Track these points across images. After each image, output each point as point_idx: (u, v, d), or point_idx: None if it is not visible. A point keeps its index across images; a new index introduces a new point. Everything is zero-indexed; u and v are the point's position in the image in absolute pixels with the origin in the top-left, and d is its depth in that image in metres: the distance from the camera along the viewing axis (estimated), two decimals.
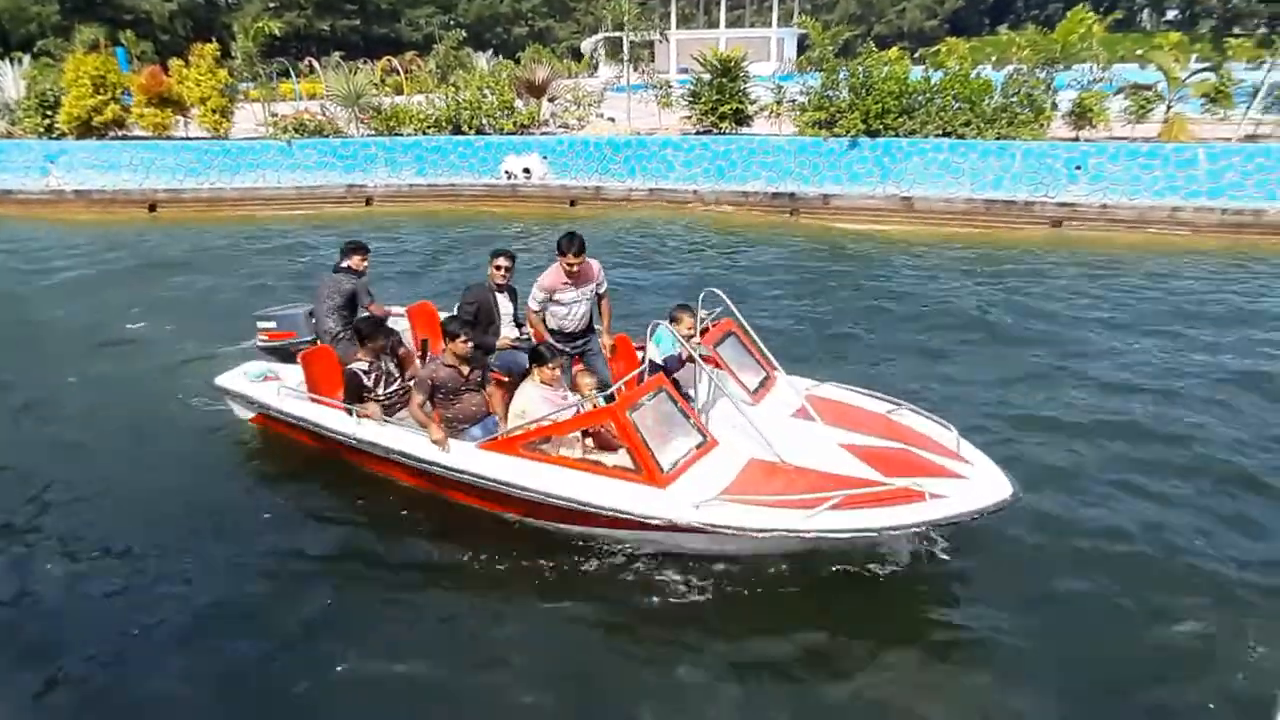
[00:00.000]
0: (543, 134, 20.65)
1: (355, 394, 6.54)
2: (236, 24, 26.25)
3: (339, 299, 7.29)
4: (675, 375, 6.16)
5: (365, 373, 6.56)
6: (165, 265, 14.38)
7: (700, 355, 6.06)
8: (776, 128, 19.63)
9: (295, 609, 5.36)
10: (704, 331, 6.48)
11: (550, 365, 5.91)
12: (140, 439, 7.69)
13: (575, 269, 6.47)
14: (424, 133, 20.79)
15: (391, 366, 6.76)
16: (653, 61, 35.90)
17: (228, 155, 20.66)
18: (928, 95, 17.51)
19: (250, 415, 7.37)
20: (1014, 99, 17.26)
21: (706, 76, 19.46)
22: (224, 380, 7.33)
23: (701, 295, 6.60)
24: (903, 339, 9.99)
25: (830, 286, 12.44)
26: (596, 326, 7.01)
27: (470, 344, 6.12)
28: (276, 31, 24.53)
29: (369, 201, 20.29)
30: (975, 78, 17.59)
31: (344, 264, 7.44)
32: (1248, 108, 17.52)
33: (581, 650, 5.02)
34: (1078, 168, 16.20)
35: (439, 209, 19.53)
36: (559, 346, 6.43)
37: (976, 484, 5.14)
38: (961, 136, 17.14)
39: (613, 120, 22.29)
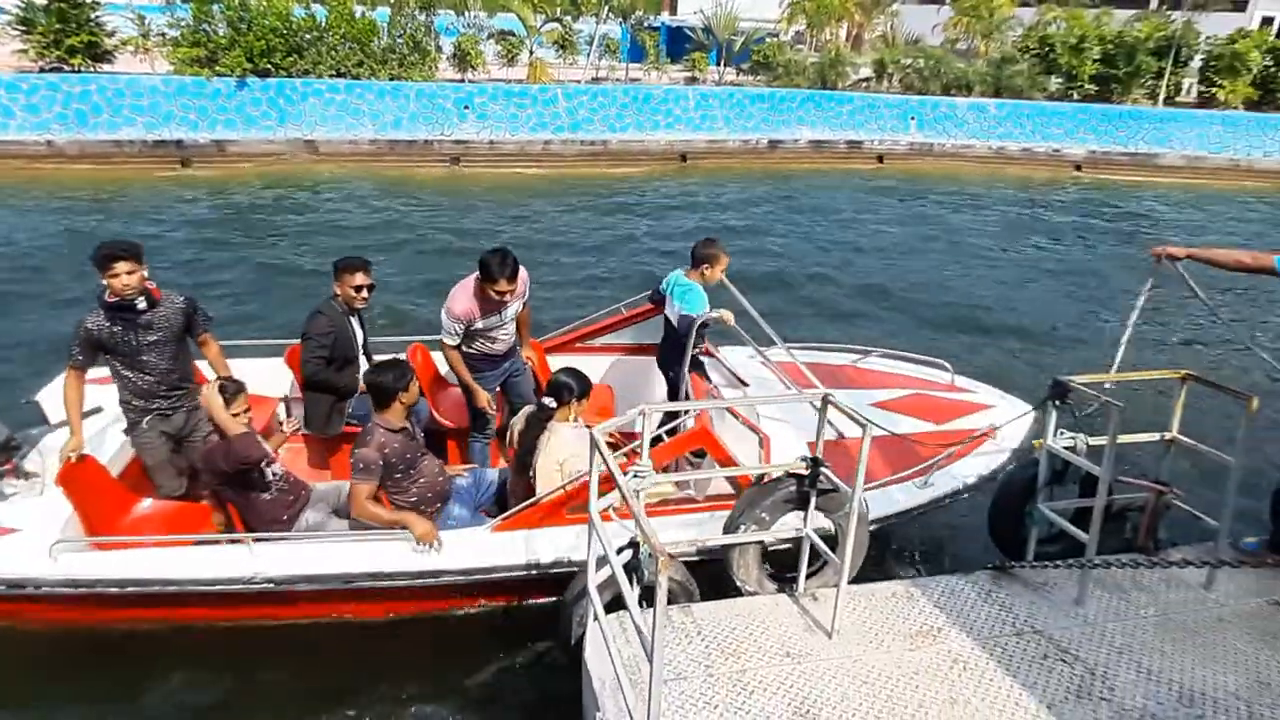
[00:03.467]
0: None
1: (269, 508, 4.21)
2: None
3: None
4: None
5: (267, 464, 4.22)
6: None
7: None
8: (149, 66, 17.24)
9: None
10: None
11: (584, 399, 4.41)
12: None
13: (506, 296, 4.81)
14: None
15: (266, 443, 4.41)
16: None
17: None
18: (316, 34, 17.12)
19: None
20: (400, 40, 17.91)
21: (41, 1, 16.07)
22: None
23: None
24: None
25: (234, 239, 11.65)
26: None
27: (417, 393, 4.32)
28: None
29: None
30: (361, 17, 17.72)
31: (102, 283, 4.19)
32: (588, 55, 20.92)
33: None
34: (466, 107, 17.62)
35: None
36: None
37: (1006, 409, 5.03)
38: (356, 77, 17.24)
39: None
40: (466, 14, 19.90)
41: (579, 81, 19.31)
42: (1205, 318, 9.86)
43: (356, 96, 17.01)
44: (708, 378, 5.34)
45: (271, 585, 3.93)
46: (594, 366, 5.67)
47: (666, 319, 5.31)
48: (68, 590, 3.88)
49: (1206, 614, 3.81)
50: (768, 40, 23.12)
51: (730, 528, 3.86)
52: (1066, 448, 3.94)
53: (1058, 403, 3.91)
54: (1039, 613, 3.78)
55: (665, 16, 31.98)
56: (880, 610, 3.77)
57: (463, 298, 4.84)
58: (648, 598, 2.90)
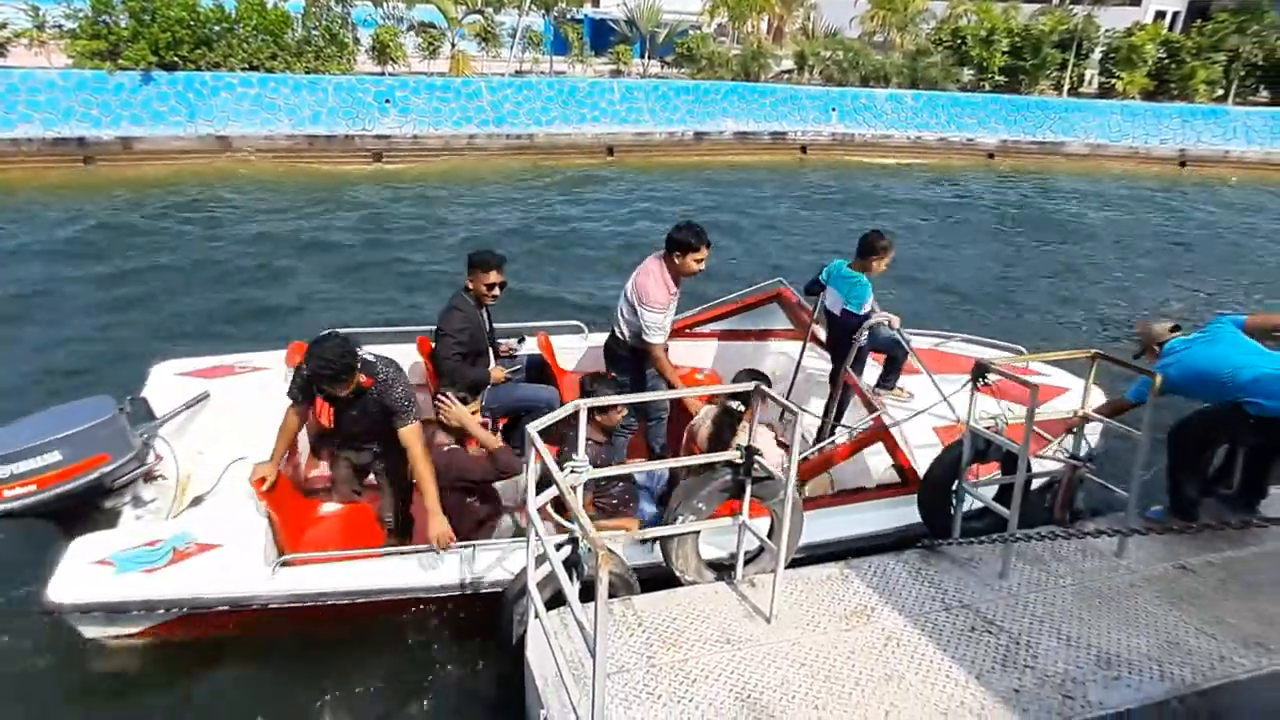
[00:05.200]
0: None
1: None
2: None
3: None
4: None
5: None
6: None
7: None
8: (45, 59, 16.31)
9: None
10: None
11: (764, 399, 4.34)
12: None
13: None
14: None
15: None
16: None
17: None
18: (226, 25, 16.46)
19: (139, 628, 4.00)
20: (315, 32, 17.37)
21: None
22: (99, 590, 3.72)
23: None
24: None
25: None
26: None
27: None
28: None
29: None
30: (273, 8, 17.11)
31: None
32: (511, 48, 20.67)
33: None
34: (387, 101, 17.20)
35: None
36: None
37: (1078, 392, 4.90)
38: (270, 70, 16.64)
39: None
40: (385, 5, 19.42)
41: (503, 74, 19.06)
42: (1119, 303, 10.39)
43: (271, 90, 16.43)
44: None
45: (497, 589, 3.96)
46: (707, 352, 5.83)
47: (828, 311, 5.33)
48: (292, 604, 3.91)
49: (1119, 580, 4.02)
50: (691, 33, 23.21)
51: (668, 519, 3.90)
52: (988, 427, 4.10)
53: (978, 383, 4.06)
54: (966, 587, 3.93)
55: (588, 9, 31.78)
56: (816, 593, 3.87)
57: (659, 285, 4.84)
58: (588, 593, 2.91)
